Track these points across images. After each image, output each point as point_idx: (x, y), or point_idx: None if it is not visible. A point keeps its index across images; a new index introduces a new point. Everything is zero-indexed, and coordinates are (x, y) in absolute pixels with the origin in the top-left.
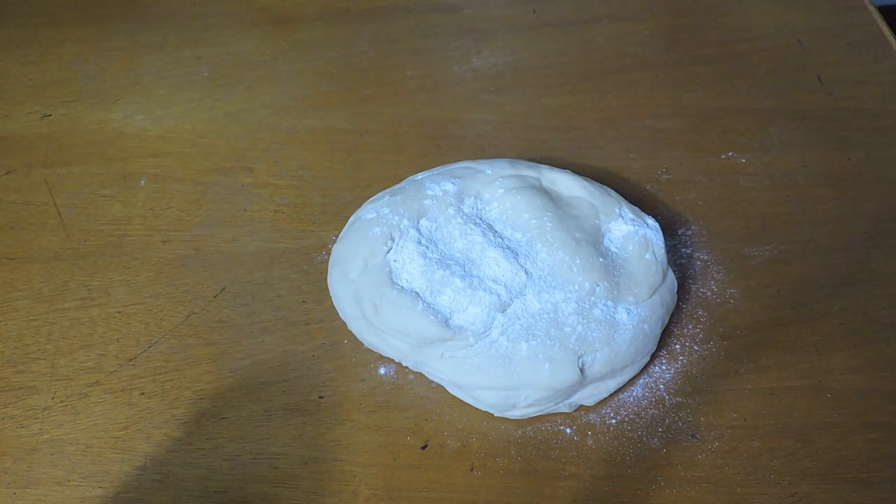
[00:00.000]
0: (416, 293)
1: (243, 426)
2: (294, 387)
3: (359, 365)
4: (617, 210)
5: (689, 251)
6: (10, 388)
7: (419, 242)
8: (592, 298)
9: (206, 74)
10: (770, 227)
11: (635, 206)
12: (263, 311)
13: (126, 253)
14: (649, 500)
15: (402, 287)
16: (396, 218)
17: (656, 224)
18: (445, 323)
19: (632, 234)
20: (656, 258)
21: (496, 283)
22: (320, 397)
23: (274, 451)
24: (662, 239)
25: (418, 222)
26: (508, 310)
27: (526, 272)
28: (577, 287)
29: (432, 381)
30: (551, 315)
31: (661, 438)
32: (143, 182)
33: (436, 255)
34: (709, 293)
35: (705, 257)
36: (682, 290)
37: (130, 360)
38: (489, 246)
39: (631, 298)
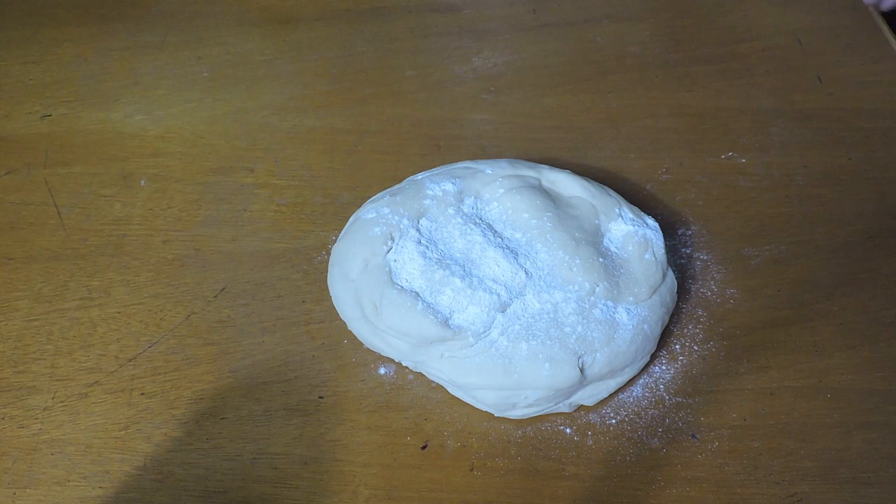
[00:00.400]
0: (416, 293)
1: (243, 426)
2: (294, 387)
3: (359, 365)
4: (617, 210)
5: (689, 251)
6: (10, 388)
7: (419, 242)
8: (592, 298)
9: (206, 74)
10: (770, 227)
11: (635, 206)
12: (263, 311)
13: (126, 253)
14: (649, 500)
15: (402, 287)
16: (396, 218)
17: (656, 224)
18: (445, 323)
19: (632, 234)
20: (656, 258)
21: (496, 283)
22: (320, 397)
23: (274, 451)
24: (662, 239)
25: (418, 222)
26: (508, 310)
27: (526, 272)
28: (576, 287)
29: (432, 381)
30: (551, 315)
31: (661, 438)
32: (143, 182)
33: (436, 255)
34: (709, 293)
35: (705, 257)
36: (682, 290)
37: (130, 360)
38: (489, 246)
39: (631, 298)
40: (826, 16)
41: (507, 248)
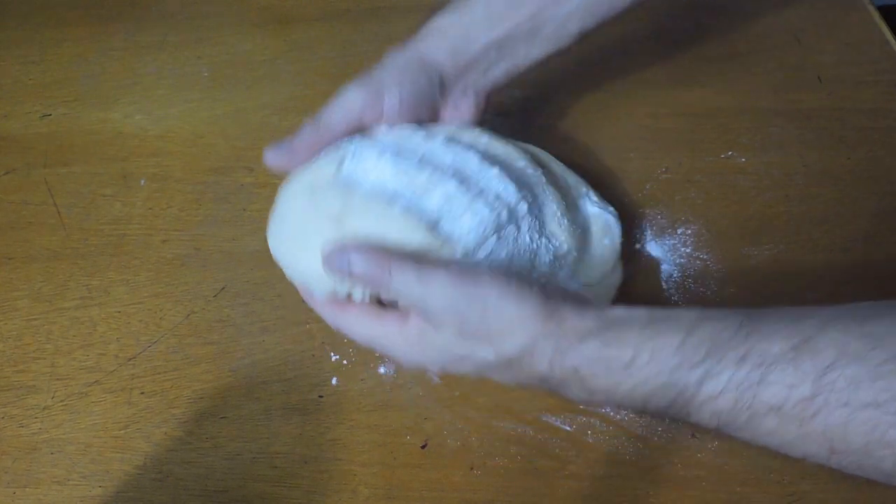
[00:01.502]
0: (391, 195)
1: (243, 425)
2: (294, 386)
3: (359, 364)
4: (584, 190)
5: (689, 251)
6: (10, 387)
7: (382, 152)
8: (563, 261)
9: (206, 74)
10: (770, 226)
11: (634, 205)
12: (263, 310)
13: (126, 253)
14: (649, 499)
15: (370, 191)
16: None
17: (617, 214)
18: (433, 228)
19: (598, 215)
20: (613, 245)
21: (499, 201)
22: (320, 396)
23: (274, 451)
24: (620, 228)
25: (372, 142)
26: (503, 232)
27: (528, 204)
28: (557, 244)
29: (432, 380)
30: (531, 259)
31: (661, 437)
32: (143, 182)
33: (415, 159)
34: (709, 293)
35: (705, 257)
36: (683, 290)
37: (130, 359)
38: (488, 164)
39: (584, 279)
40: (826, 16)
41: (510, 175)
